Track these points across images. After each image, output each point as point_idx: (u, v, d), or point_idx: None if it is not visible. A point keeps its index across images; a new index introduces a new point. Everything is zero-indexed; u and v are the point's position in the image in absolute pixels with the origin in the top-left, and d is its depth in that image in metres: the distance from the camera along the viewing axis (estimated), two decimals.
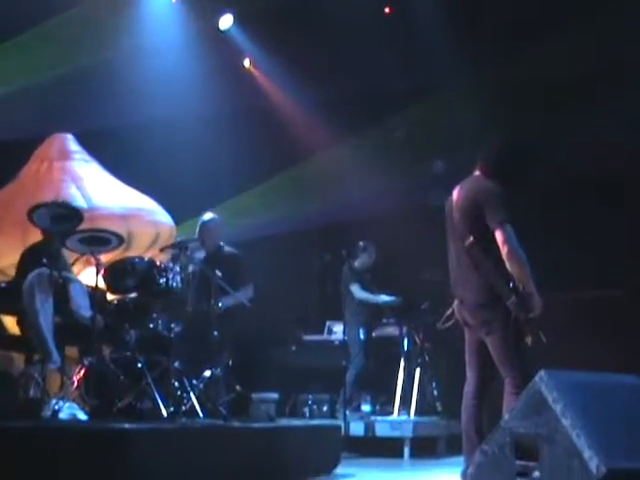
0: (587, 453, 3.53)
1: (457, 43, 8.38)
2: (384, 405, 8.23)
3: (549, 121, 8.23)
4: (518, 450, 3.82)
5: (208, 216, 7.03)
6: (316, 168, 9.65)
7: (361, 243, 8.43)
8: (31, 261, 5.69)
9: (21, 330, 5.72)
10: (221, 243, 6.97)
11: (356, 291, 8.25)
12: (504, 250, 4.32)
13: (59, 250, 5.69)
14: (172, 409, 5.32)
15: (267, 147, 9.32)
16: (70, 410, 5.10)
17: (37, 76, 8.31)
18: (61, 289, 5.47)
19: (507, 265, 4.33)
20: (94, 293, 5.58)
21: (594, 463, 3.50)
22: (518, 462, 3.81)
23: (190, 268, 6.76)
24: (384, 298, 8.30)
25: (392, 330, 8.35)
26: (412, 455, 7.38)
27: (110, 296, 5.97)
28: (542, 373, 3.81)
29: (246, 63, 9.79)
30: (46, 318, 5.33)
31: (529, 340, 4.37)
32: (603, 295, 8.26)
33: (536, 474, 3.74)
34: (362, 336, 8.17)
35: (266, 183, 9.85)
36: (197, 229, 6.95)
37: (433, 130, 9.06)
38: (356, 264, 8.39)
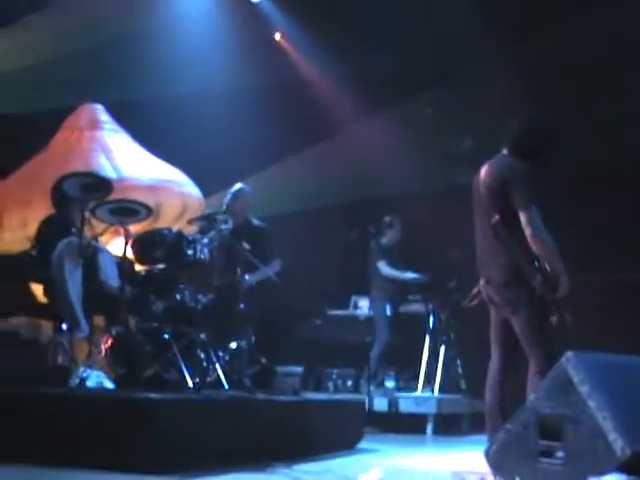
0: (612, 435, 3.52)
1: (487, 21, 8.28)
2: (408, 381, 8.24)
3: (578, 100, 8.12)
4: (542, 430, 3.82)
5: (238, 186, 7.01)
6: (344, 144, 9.62)
7: (387, 219, 8.39)
8: (53, 230, 5.71)
9: (47, 298, 5.77)
10: (249, 216, 6.96)
11: (383, 267, 8.25)
12: (527, 232, 4.32)
13: (84, 220, 5.71)
14: (197, 380, 5.36)
15: (296, 121, 9.28)
16: (97, 378, 5.15)
17: (67, 47, 8.33)
18: (90, 259, 5.51)
19: (532, 247, 4.32)
20: (122, 263, 5.61)
21: (619, 445, 3.49)
22: (542, 441, 3.82)
23: (217, 240, 6.78)
24: (411, 275, 8.30)
25: (418, 307, 8.34)
26: (435, 432, 7.41)
27: (138, 267, 6.01)
28: (569, 354, 3.80)
29: (277, 37, 9.74)
30: (75, 287, 5.38)
31: (554, 320, 4.36)
32: (632, 277, 8.18)
33: (560, 454, 3.74)
34: (388, 312, 8.18)
35: (294, 157, 9.83)
36: (227, 199, 6.92)
37: (462, 108, 8.99)
38: (383, 240, 8.37)
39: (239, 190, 6.95)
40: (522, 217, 4.35)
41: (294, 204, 9.66)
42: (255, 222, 6.95)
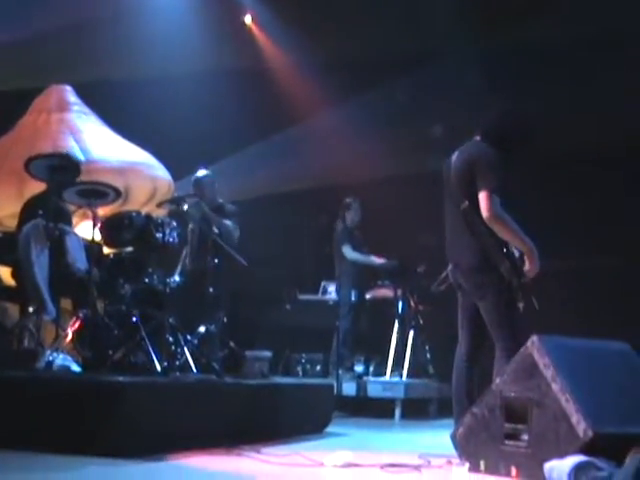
0: (575, 417, 3.58)
1: (460, 7, 8.30)
2: (377, 366, 8.28)
3: (550, 87, 8.18)
4: (508, 412, 3.87)
5: (201, 173, 7.02)
6: (314, 129, 9.60)
7: (346, 200, 8.27)
8: (29, 212, 5.67)
9: (16, 281, 5.72)
10: (221, 200, 6.97)
11: (348, 252, 8.17)
12: (484, 215, 4.33)
13: (57, 202, 5.67)
14: (165, 364, 5.34)
15: (266, 106, 9.26)
16: (64, 362, 5.12)
17: (35, 27, 8.24)
18: (57, 241, 5.46)
19: (494, 230, 4.34)
20: (90, 246, 5.57)
21: (581, 427, 3.55)
22: (507, 424, 3.86)
23: (190, 225, 6.82)
24: (378, 260, 8.25)
25: (387, 292, 8.37)
26: (403, 416, 7.46)
27: (106, 250, 5.98)
28: (534, 338, 3.85)
29: (247, 19, 9.70)
30: (41, 270, 5.33)
31: (521, 305, 4.40)
32: (597, 263, 8.29)
33: (524, 437, 3.79)
34: (352, 298, 8.10)
35: (264, 142, 9.81)
36: (192, 186, 6.94)
37: (433, 94, 9.00)
38: (346, 223, 8.29)
39: (203, 176, 6.97)
40: (480, 198, 4.35)
41: (265, 188, 9.65)
42: (228, 206, 6.97)
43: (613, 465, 3.26)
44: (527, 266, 4.38)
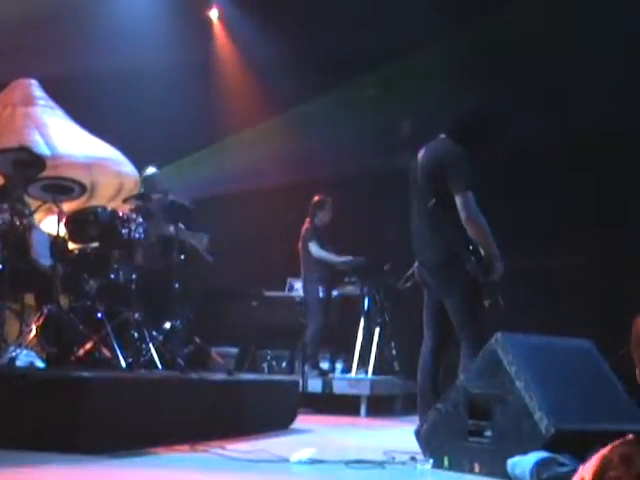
0: (537, 414, 3.62)
1: (430, 4, 8.33)
2: (343, 363, 8.29)
3: (519, 85, 8.24)
4: (472, 409, 3.90)
5: (151, 170, 7.04)
6: (284, 125, 9.60)
7: (320, 198, 8.22)
8: None
9: None
10: (172, 197, 6.96)
11: (314, 249, 8.12)
12: (462, 215, 4.36)
13: (22, 196, 5.60)
14: (130, 359, 5.31)
15: (235, 101, 9.24)
16: (28, 357, 5.07)
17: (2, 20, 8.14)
18: (21, 236, 5.40)
19: (467, 230, 4.38)
20: (55, 241, 5.52)
21: (544, 424, 3.59)
22: (471, 421, 3.90)
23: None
24: (345, 258, 8.23)
25: (353, 289, 8.38)
26: (369, 413, 7.49)
27: (71, 245, 5.92)
28: (499, 335, 3.89)
29: (213, 14, 9.66)
30: None
31: (487, 303, 4.43)
32: (561, 262, 8.37)
33: (488, 433, 3.83)
34: (321, 294, 8.06)
35: (232, 138, 9.78)
36: (143, 184, 6.96)
37: (402, 91, 9.03)
38: (315, 221, 8.29)
39: (153, 174, 6.99)
40: (458, 201, 4.39)
41: (234, 185, 9.62)
42: (179, 201, 6.98)
43: (576, 461, 3.30)
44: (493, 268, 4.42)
